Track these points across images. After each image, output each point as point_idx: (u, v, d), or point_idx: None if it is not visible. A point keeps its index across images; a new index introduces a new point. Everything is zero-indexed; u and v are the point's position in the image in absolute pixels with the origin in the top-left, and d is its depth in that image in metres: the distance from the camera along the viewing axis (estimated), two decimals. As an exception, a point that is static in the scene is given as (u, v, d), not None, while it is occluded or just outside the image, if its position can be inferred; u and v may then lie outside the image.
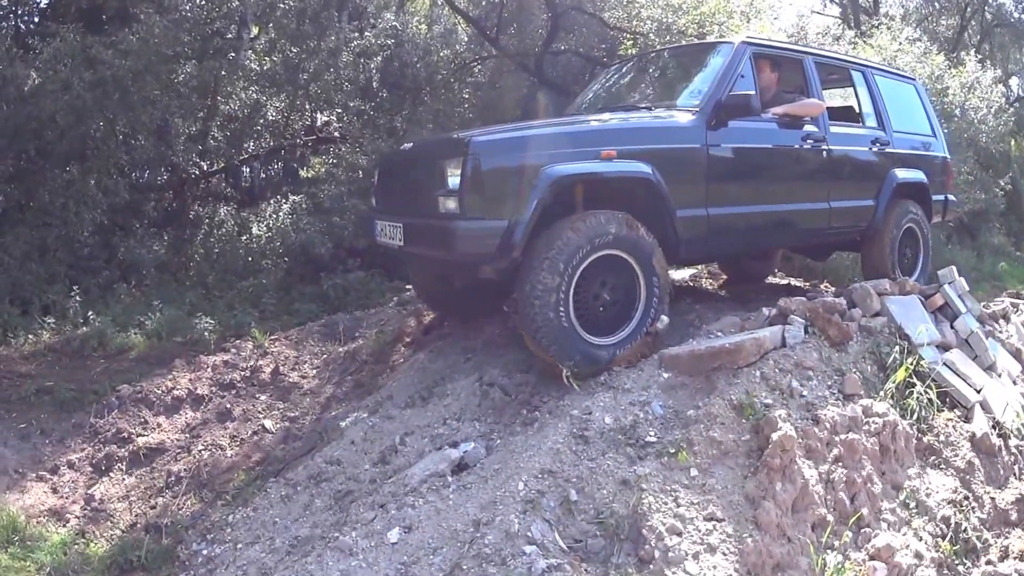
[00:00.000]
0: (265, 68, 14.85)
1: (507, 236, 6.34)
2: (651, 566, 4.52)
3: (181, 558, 6.31)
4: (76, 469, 7.65)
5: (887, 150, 9.31)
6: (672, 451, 5.07)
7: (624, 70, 9.93)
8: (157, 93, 12.20)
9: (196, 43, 13.18)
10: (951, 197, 10.65)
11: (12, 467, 7.73)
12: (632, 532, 4.67)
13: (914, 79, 10.91)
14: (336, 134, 16.09)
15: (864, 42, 16.34)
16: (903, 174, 9.37)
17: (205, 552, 6.19)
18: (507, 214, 6.36)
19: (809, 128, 8.32)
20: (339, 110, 15.73)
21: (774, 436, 5.04)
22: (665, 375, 5.82)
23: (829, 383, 5.93)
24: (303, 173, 16.72)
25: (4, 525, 6.66)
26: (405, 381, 7.81)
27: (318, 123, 16.46)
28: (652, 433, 5.30)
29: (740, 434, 5.21)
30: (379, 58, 15.34)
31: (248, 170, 16.02)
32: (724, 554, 4.61)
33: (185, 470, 7.22)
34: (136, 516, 7.03)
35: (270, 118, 15.48)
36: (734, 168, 7.67)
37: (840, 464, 5.45)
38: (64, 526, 6.96)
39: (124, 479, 7.48)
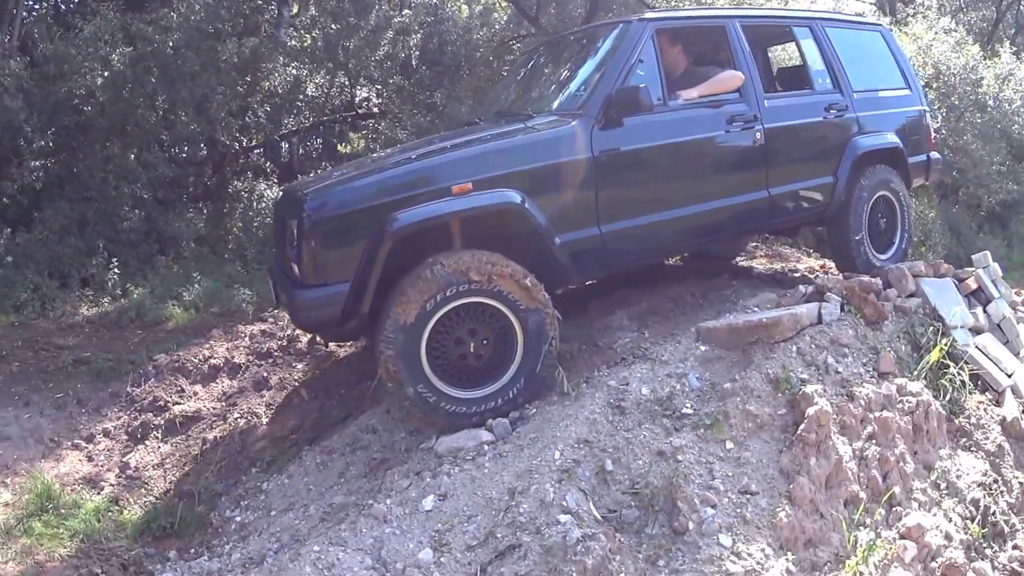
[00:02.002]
0: (305, 45, 14.91)
1: (352, 300, 5.93)
2: (685, 537, 4.57)
3: (214, 524, 6.37)
4: (112, 437, 7.69)
5: (846, 116, 8.22)
6: (708, 423, 5.09)
7: (531, 63, 8.95)
8: (197, 69, 12.18)
9: (236, 20, 13.18)
10: (934, 155, 9.39)
11: (48, 436, 7.76)
12: (667, 503, 4.71)
13: (879, 25, 9.69)
14: (375, 110, 16.12)
15: (900, 30, 16.26)
16: (868, 140, 8.31)
17: (239, 519, 6.26)
18: (348, 275, 5.91)
19: (735, 108, 7.41)
20: (378, 86, 15.77)
21: (810, 411, 5.06)
22: (702, 348, 5.79)
23: (864, 361, 5.93)
24: (342, 149, 16.75)
25: (39, 493, 6.69)
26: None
27: (357, 99, 16.47)
28: (688, 405, 5.30)
29: (776, 408, 5.23)
30: (418, 35, 15.39)
31: (287, 145, 16.07)
32: (758, 527, 4.65)
33: (220, 438, 7.26)
34: (170, 483, 7.06)
35: (310, 94, 15.46)
36: (633, 174, 6.84)
37: (874, 441, 5.48)
38: (98, 494, 6.99)
39: (159, 447, 7.52)
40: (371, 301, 5.96)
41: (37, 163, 11.74)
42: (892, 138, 8.53)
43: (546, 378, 6.10)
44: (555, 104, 7.29)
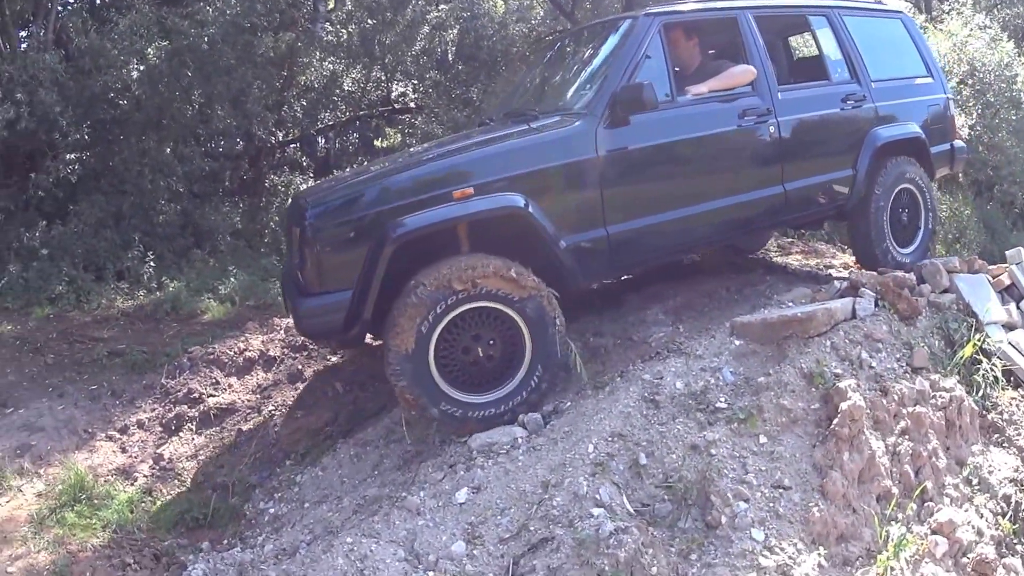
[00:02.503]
0: (341, 40, 14.93)
1: (354, 307, 5.91)
2: (717, 531, 4.58)
3: (248, 516, 6.44)
4: (146, 429, 7.74)
5: (865, 106, 7.97)
6: (742, 417, 5.10)
7: (543, 60, 8.81)
8: (233, 63, 12.29)
9: (272, 15, 13.21)
10: (958, 144, 9.05)
11: (81, 427, 7.82)
12: (700, 497, 4.72)
13: (899, 12, 9.25)
14: (412, 105, 16.19)
15: (935, 27, 16.18)
16: (888, 131, 8.04)
17: (272, 510, 6.31)
18: (350, 282, 5.90)
19: (748, 102, 7.24)
20: (415, 81, 15.87)
21: (843, 406, 5.05)
22: (736, 342, 5.79)
23: (897, 356, 5.91)
24: (378, 143, 16.81)
25: (72, 484, 6.74)
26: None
27: (394, 94, 16.52)
28: (722, 399, 5.31)
29: (810, 403, 5.23)
30: (454, 31, 15.44)
31: (324, 140, 16.12)
32: (790, 522, 4.66)
33: (255, 430, 7.31)
34: (204, 475, 7.09)
35: (346, 89, 15.52)
36: (641, 173, 6.71)
37: (906, 437, 5.46)
38: (132, 485, 7.04)
39: (193, 439, 7.56)
40: (375, 305, 5.95)
41: (72, 156, 11.84)
42: (913, 128, 8.30)
43: (567, 360, 6.09)
44: (561, 103, 7.19)
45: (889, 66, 8.37)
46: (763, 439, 5.02)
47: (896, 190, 8.09)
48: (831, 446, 5.00)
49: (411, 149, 9.17)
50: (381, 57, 14.78)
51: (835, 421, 5.06)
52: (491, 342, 5.99)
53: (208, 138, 13.43)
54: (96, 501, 6.68)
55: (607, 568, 4.26)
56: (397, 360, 5.75)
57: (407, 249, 5.87)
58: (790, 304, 6.61)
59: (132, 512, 6.59)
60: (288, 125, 15.14)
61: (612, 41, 7.24)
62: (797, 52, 8.80)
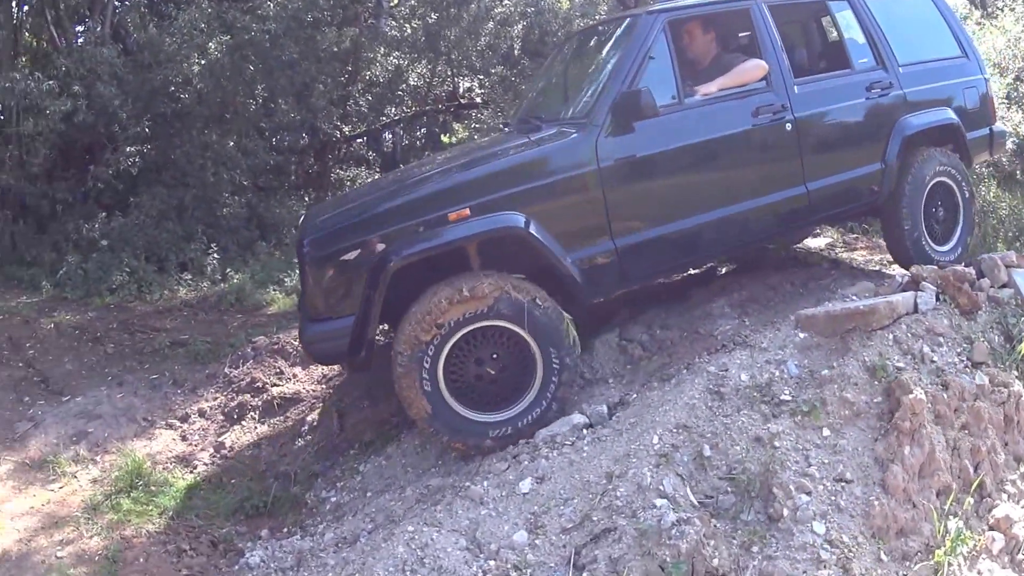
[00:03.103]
0: (405, 35, 14.97)
1: (357, 331, 5.90)
2: (779, 524, 4.58)
3: (309, 505, 6.54)
4: (207, 418, 7.87)
5: (892, 93, 7.48)
6: (806, 410, 5.11)
7: (559, 58, 8.47)
8: (296, 57, 12.40)
9: (335, 10, 13.33)
10: (998, 128, 8.45)
11: (141, 415, 7.98)
12: (763, 490, 4.73)
13: None
14: (478, 100, 16.25)
15: (990, 23, 16.06)
16: (919, 119, 7.55)
17: (333, 499, 6.41)
18: (352, 308, 5.89)
19: (762, 98, 6.90)
20: (480, 76, 15.92)
21: (906, 399, 5.03)
22: (801, 335, 5.77)
23: (958, 350, 5.86)
24: (445, 139, 16.92)
25: (128, 470, 6.87)
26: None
27: (460, 89, 16.59)
28: (787, 392, 5.31)
29: (872, 396, 5.22)
30: (519, 26, 15.47)
31: (390, 135, 16.21)
32: (851, 516, 4.65)
33: (319, 419, 7.37)
34: (266, 464, 7.18)
35: (412, 84, 15.63)
36: (647, 182, 6.51)
37: (966, 431, 5.43)
38: (191, 472, 7.18)
39: (256, 428, 7.66)
40: (376, 328, 6.01)
41: (132, 149, 12.00)
42: (947, 114, 7.82)
43: (590, 340, 6.27)
44: (564, 110, 7.07)
45: (918, 48, 7.91)
46: (826, 432, 5.03)
47: (930, 183, 7.66)
48: (892, 440, 4.99)
49: (410, 166, 8.96)
50: (446, 52, 14.80)
51: (897, 415, 5.05)
52: (494, 356, 5.97)
53: (272, 132, 13.62)
54: (153, 488, 6.85)
55: (668, 559, 4.28)
56: (416, 410, 5.84)
57: (411, 271, 5.86)
58: (854, 297, 6.56)
59: (190, 500, 6.73)
60: (353, 120, 15.28)
61: (615, 42, 7.06)
62: (816, 40, 8.29)
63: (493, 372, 5.96)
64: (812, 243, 9.99)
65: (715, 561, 4.34)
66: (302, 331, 6.24)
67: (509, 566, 4.65)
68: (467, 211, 5.86)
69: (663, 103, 6.40)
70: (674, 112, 6.54)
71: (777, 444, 4.90)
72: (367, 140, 16.04)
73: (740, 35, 7.65)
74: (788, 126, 6.90)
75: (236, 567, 5.84)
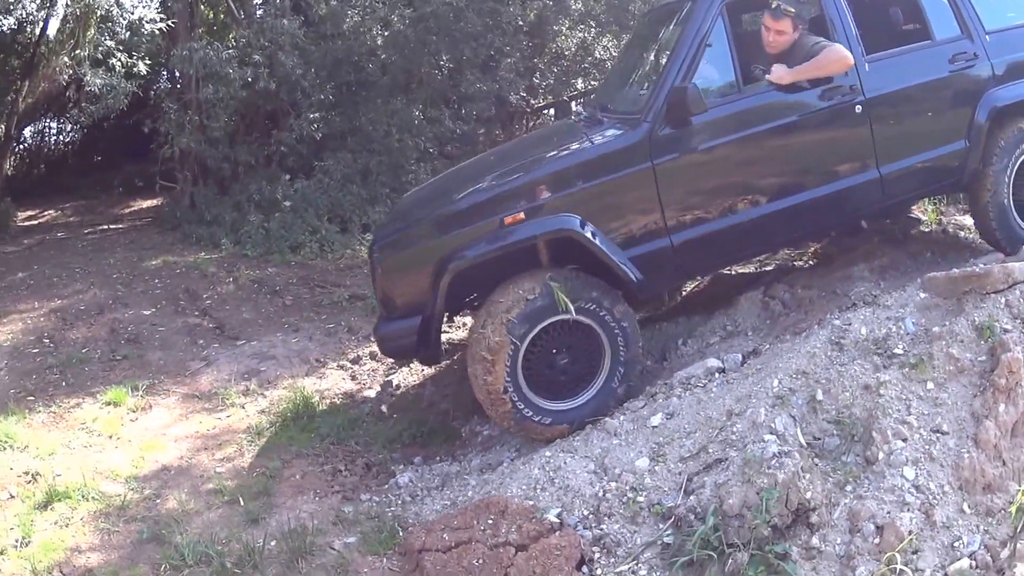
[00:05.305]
0: (590, 9, 14.93)
1: (423, 330, 6.16)
2: (874, 467, 4.76)
3: (463, 436, 7.01)
4: (378, 360, 8.30)
5: (978, 64, 6.84)
6: (913, 363, 5.20)
7: (633, 40, 8.29)
8: (480, 30, 12.59)
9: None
10: None
11: (313, 357, 8.45)
12: (865, 434, 4.92)
13: None
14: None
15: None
16: (1009, 91, 6.87)
17: (486, 432, 6.87)
18: (418, 308, 6.14)
19: (830, 79, 6.47)
20: (668, 50, 15.87)
21: (1004, 357, 5.06)
22: (922, 295, 5.82)
23: (1069, 320, 5.84)
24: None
25: (296, 402, 7.36)
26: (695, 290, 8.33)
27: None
28: (900, 346, 5.38)
29: (977, 355, 5.26)
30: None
31: (577, 106, 16.41)
32: (941, 466, 4.73)
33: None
34: (428, 402, 7.61)
35: (598, 56, 15.47)
36: (704, 177, 6.41)
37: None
38: (356, 407, 7.59)
39: (423, 370, 8.07)
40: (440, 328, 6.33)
41: (315, 115, 12.36)
42: None
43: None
44: (625, 103, 6.94)
45: (1008, 10, 7.21)
46: (930, 385, 5.12)
47: (1020, 158, 7.02)
48: (988, 396, 5.01)
49: (475, 160, 8.84)
50: (632, 26, 14.59)
51: (994, 372, 5.08)
52: (561, 351, 6.20)
53: (460, 102, 13.73)
54: (318, 419, 7.29)
55: (765, 486, 4.57)
56: (504, 418, 6.15)
57: (473, 272, 6.07)
58: (981, 264, 6.34)
59: (352, 429, 7.17)
60: (540, 91, 15.44)
61: (674, 27, 6.73)
62: (892, 9, 7.33)
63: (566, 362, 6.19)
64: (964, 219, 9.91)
65: (808, 494, 4.59)
66: (376, 329, 6.63)
67: (627, 487, 5.13)
68: (522, 215, 5.99)
69: (719, 93, 6.39)
70: (733, 102, 6.40)
71: (883, 392, 5.04)
72: (555, 111, 16.21)
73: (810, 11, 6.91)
74: (858, 108, 6.52)
75: (386, 486, 6.32)
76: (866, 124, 6.55)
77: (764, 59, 6.69)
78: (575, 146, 6.60)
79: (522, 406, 6.05)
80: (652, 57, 7.06)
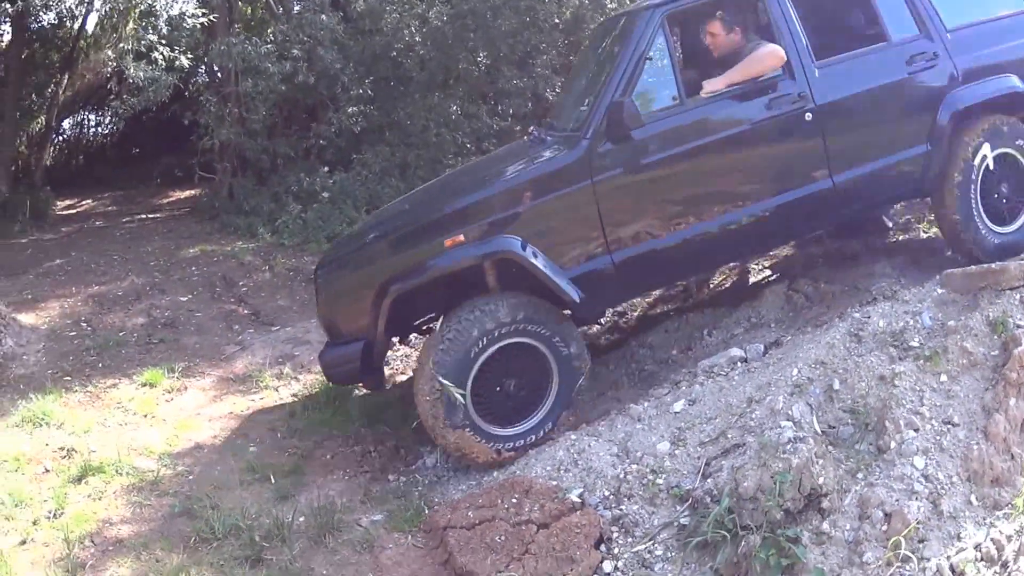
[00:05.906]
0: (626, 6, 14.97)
1: (366, 355, 6.07)
2: (885, 455, 4.87)
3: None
4: (412, 347, 8.36)
5: (939, 65, 6.56)
6: (928, 355, 5.29)
7: (582, 55, 8.15)
8: (516, 26, 12.64)
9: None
10: None
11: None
12: (878, 424, 5.03)
13: None
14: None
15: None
16: (972, 91, 6.57)
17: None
18: (360, 333, 6.04)
19: (775, 88, 6.29)
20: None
21: (1016, 351, 5.13)
22: (939, 291, 5.90)
23: (1083, 318, 5.90)
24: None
25: (329, 386, 7.41)
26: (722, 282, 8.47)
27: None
28: (916, 340, 5.48)
29: (990, 349, 5.33)
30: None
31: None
32: (951, 456, 4.81)
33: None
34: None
35: None
36: (646, 192, 6.24)
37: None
38: (387, 391, 7.50)
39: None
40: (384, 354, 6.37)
41: (354, 109, 12.50)
42: (1009, 82, 6.69)
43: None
44: (566, 120, 6.86)
45: (969, 6, 6.89)
46: (943, 377, 5.22)
47: (989, 159, 6.66)
48: (999, 389, 5.08)
49: (425, 186, 8.80)
50: None
51: (1006, 366, 5.15)
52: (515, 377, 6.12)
53: (497, 98, 13.80)
54: (350, 403, 7.41)
55: (780, 470, 4.69)
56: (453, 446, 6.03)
57: (419, 295, 6.02)
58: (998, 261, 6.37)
59: (385, 413, 7.23)
60: None
61: (613, 41, 6.65)
62: (844, 11, 7.18)
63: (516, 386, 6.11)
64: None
65: (820, 479, 4.72)
66: (320, 355, 6.52)
67: (648, 470, 5.31)
68: (461, 237, 5.87)
69: (662, 106, 6.27)
70: (675, 115, 6.24)
71: (897, 383, 5.15)
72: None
73: (753, 17, 6.79)
74: (808, 116, 6.31)
75: (413, 467, 6.49)
76: (817, 132, 6.37)
77: (717, 70, 6.48)
78: (520, 166, 6.58)
79: (471, 433, 5.96)
80: (594, 73, 6.85)
